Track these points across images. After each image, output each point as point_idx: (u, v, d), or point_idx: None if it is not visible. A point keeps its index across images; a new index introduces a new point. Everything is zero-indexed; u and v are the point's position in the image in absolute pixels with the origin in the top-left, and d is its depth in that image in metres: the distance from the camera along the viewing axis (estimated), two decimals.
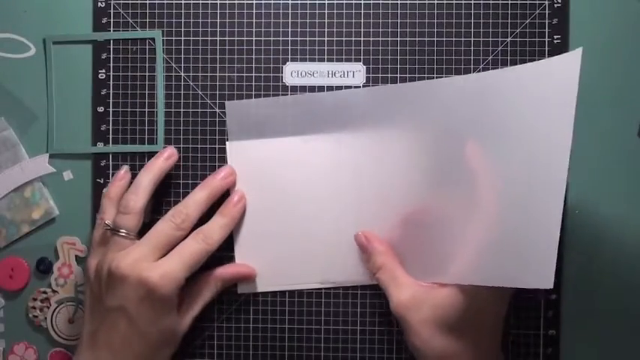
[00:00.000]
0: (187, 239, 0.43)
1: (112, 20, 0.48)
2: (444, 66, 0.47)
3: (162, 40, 0.48)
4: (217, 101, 0.48)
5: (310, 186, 0.46)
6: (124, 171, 0.46)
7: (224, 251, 0.46)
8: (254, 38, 0.47)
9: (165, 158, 0.46)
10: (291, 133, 0.46)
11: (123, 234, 0.42)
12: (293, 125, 0.46)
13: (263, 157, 0.46)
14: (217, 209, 0.45)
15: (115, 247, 0.42)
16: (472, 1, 0.47)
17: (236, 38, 0.47)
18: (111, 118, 0.48)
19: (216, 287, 0.45)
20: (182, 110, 0.48)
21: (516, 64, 0.47)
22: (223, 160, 0.47)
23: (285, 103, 0.46)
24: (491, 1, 0.47)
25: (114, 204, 0.45)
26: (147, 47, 0.48)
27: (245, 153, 0.46)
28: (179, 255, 0.42)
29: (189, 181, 0.47)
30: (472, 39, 0.47)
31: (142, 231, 0.44)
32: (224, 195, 0.46)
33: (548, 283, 0.33)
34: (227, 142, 0.47)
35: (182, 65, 0.48)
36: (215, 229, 0.44)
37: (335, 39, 0.47)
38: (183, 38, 0.48)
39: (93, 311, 0.43)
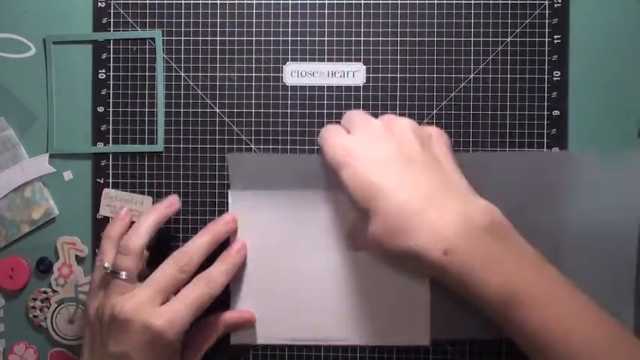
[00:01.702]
0: (190, 284, 0.42)
1: (112, 20, 0.48)
2: (444, 66, 0.47)
3: (163, 40, 0.48)
4: (217, 101, 0.48)
5: (308, 241, 0.46)
6: (125, 211, 0.46)
7: (221, 295, 0.44)
8: (254, 38, 0.47)
9: (166, 206, 0.45)
10: (291, 188, 0.45)
11: (123, 277, 0.41)
12: (294, 180, 0.45)
13: (263, 209, 0.46)
14: (216, 256, 0.45)
15: (115, 289, 0.41)
16: (472, 1, 0.47)
17: (236, 38, 0.47)
18: (111, 118, 0.48)
19: (218, 332, 0.45)
20: (182, 110, 0.48)
21: (516, 64, 0.47)
22: (223, 161, 0.47)
23: (287, 159, 0.46)
24: (491, 1, 0.47)
25: (114, 244, 0.44)
26: (147, 47, 0.48)
27: (245, 203, 0.46)
28: (184, 299, 0.41)
29: (189, 181, 0.47)
30: (472, 39, 0.47)
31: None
32: (224, 243, 0.45)
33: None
34: (229, 191, 0.46)
35: (182, 65, 0.48)
36: (217, 275, 0.43)
37: (335, 39, 0.47)
38: (183, 38, 0.48)
39: (93, 356, 0.42)
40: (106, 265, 0.42)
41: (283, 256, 0.46)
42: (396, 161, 0.38)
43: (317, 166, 0.44)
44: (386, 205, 0.36)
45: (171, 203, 0.45)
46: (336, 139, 0.40)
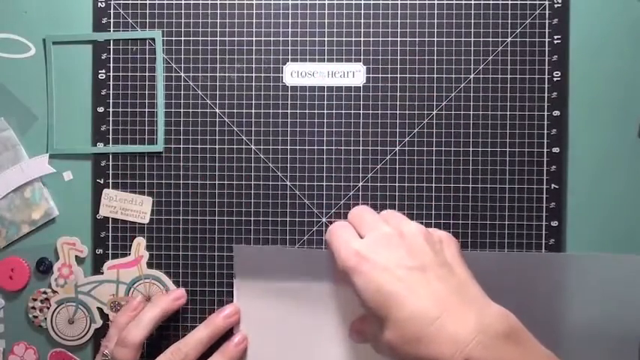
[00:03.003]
0: None
1: (112, 20, 0.48)
2: (444, 66, 0.47)
3: (163, 40, 0.48)
4: (217, 101, 0.48)
5: (312, 335, 0.45)
6: (138, 301, 0.46)
7: None
8: (254, 38, 0.47)
9: (173, 299, 0.45)
10: (297, 281, 0.45)
11: None
12: (300, 273, 0.45)
13: (267, 301, 0.46)
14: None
15: None
16: (472, 2, 0.47)
17: (236, 38, 0.47)
18: (111, 118, 0.48)
19: None
20: (182, 110, 0.48)
21: (516, 64, 0.47)
22: (223, 161, 0.47)
23: (294, 253, 0.46)
24: (491, 2, 0.47)
25: (119, 332, 0.44)
26: (147, 47, 0.48)
27: (250, 294, 0.46)
28: None
29: (189, 181, 0.48)
30: (472, 39, 0.47)
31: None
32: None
33: None
34: (234, 281, 0.46)
35: (182, 65, 0.48)
36: None
37: (335, 39, 0.47)
38: (183, 38, 0.48)
39: None
40: (106, 352, 0.44)
41: (286, 350, 0.46)
42: (409, 268, 0.37)
43: (323, 260, 0.44)
44: (401, 313, 0.36)
45: (177, 296, 0.46)
46: (347, 243, 0.40)
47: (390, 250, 0.39)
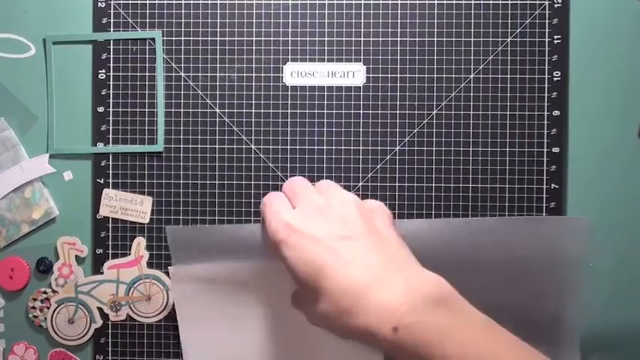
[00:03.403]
0: None
1: (112, 20, 0.48)
2: (444, 66, 0.47)
3: (163, 40, 0.48)
4: (217, 101, 0.48)
5: (251, 311, 0.44)
6: None
7: None
8: (254, 38, 0.47)
9: None
10: (233, 259, 0.43)
11: None
12: (235, 251, 0.43)
13: (204, 282, 0.44)
14: None
15: None
16: (472, 2, 0.47)
17: (236, 38, 0.47)
18: (111, 118, 0.48)
19: None
20: (182, 110, 0.48)
21: (516, 64, 0.47)
22: (223, 161, 0.47)
23: (227, 230, 0.44)
24: (491, 2, 0.47)
25: None
26: (147, 47, 0.48)
27: (187, 276, 0.44)
28: None
29: (189, 181, 0.48)
30: (472, 39, 0.47)
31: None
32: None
33: None
34: (169, 267, 0.44)
35: (182, 65, 0.48)
36: None
37: (335, 39, 0.47)
38: (183, 38, 0.48)
39: None
40: None
41: (226, 329, 0.44)
42: (339, 237, 0.37)
43: (258, 235, 0.42)
44: (332, 284, 0.35)
45: None
46: (278, 215, 0.39)
47: (321, 220, 0.38)
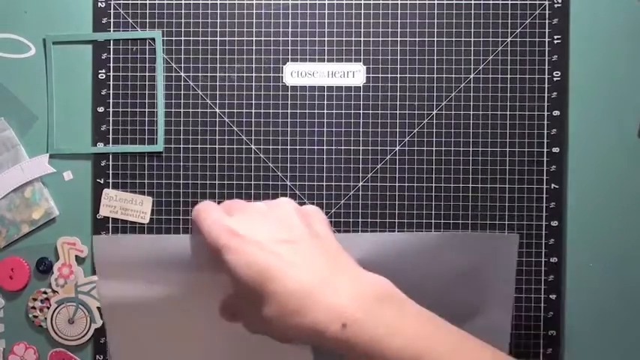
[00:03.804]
0: None
1: (112, 20, 0.48)
2: (444, 66, 0.47)
3: (163, 40, 0.48)
4: (217, 101, 0.48)
5: (184, 325, 0.43)
6: None
7: None
8: (254, 38, 0.47)
9: None
10: (164, 271, 0.41)
11: None
12: (166, 262, 0.41)
13: (134, 296, 0.42)
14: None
15: None
16: (472, 2, 0.47)
17: (236, 38, 0.47)
18: (111, 118, 0.48)
19: None
20: (182, 110, 0.48)
21: (516, 64, 0.47)
22: (223, 161, 0.47)
23: (157, 240, 0.42)
24: (491, 1, 0.47)
25: None
26: (147, 47, 0.48)
27: (115, 291, 0.42)
28: None
29: (189, 181, 0.48)
30: (472, 39, 0.47)
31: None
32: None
33: None
34: (97, 280, 0.41)
35: (182, 65, 0.48)
36: None
37: (335, 39, 0.47)
38: (183, 38, 0.48)
39: None
40: None
41: (157, 343, 0.43)
42: (282, 241, 0.37)
43: (186, 246, 0.41)
44: (278, 287, 0.36)
45: None
46: (218, 222, 0.38)
47: (262, 225, 0.38)
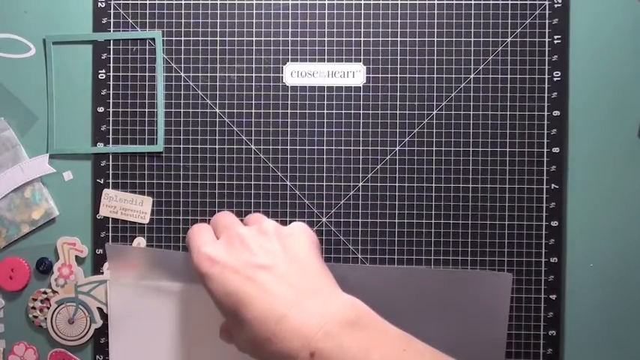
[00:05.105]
0: None
1: (112, 20, 0.48)
2: (444, 66, 0.47)
3: (163, 40, 0.48)
4: (217, 101, 0.48)
5: (186, 335, 0.45)
6: None
7: None
8: (254, 38, 0.47)
9: None
10: (170, 281, 0.45)
11: None
12: (172, 274, 0.46)
13: (141, 302, 0.46)
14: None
15: None
16: (472, 2, 0.47)
17: (236, 38, 0.47)
18: (111, 118, 0.48)
19: None
20: (182, 110, 0.48)
21: (516, 64, 0.47)
22: (223, 161, 0.47)
23: (165, 254, 0.46)
24: (491, 2, 0.47)
25: None
26: (147, 47, 0.48)
27: (124, 295, 0.46)
28: None
29: (189, 181, 0.48)
30: (472, 39, 0.47)
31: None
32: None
33: None
34: (107, 283, 0.46)
35: (182, 65, 0.48)
36: None
37: (335, 39, 0.47)
38: (183, 38, 0.48)
39: None
40: None
41: (162, 350, 0.45)
42: (257, 267, 0.38)
43: (184, 262, 0.45)
44: (250, 314, 0.36)
45: None
46: (199, 248, 0.40)
47: (240, 250, 0.39)
